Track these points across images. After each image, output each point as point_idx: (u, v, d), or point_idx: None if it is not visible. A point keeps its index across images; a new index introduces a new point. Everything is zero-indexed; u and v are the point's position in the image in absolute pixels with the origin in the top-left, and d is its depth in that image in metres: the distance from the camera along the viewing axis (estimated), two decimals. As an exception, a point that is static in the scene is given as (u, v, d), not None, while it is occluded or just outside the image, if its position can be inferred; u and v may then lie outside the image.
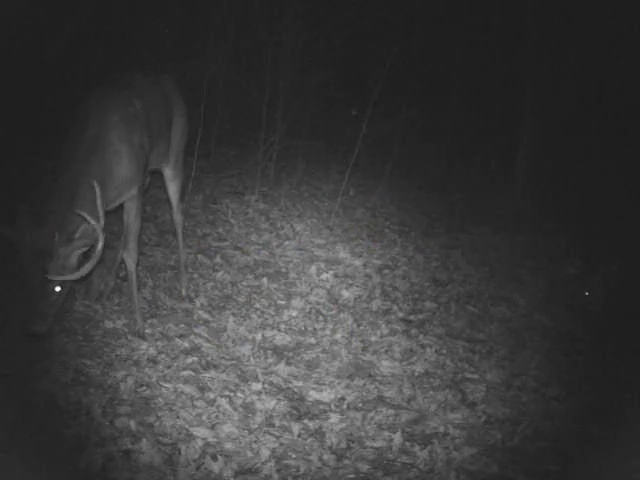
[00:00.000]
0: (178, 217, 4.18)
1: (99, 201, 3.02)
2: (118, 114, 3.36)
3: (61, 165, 3.17)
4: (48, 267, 2.92)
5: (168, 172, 4.01)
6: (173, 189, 4.07)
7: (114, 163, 3.28)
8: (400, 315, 4.23)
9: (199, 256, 4.61)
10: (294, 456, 2.78)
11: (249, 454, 2.74)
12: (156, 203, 4.67)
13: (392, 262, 5.07)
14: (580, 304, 4.70)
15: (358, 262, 4.94)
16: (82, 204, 3.04)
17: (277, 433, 2.90)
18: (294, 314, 4.04)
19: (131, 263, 3.56)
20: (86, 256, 3.07)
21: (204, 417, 2.92)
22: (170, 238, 4.63)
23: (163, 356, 3.35)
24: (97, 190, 3.01)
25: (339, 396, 3.25)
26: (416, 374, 3.56)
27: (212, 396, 3.08)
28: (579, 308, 4.65)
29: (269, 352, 3.57)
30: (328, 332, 3.89)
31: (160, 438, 2.73)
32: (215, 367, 3.33)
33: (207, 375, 3.24)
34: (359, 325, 4.02)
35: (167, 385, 3.10)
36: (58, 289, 2.99)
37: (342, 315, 4.10)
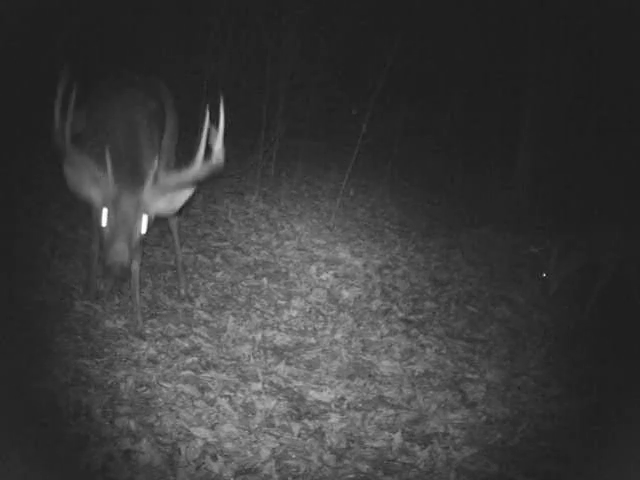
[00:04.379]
0: (173, 217, 4.18)
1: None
2: (144, 116, 3.43)
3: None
4: (143, 198, 2.97)
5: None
6: None
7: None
8: (400, 315, 4.23)
9: (199, 256, 4.61)
10: (294, 456, 2.78)
11: (249, 454, 2.74)
12: (156, 203, 4.66)
13: (392, 262, 5.07)
14: (579, 303, 4.70)
15: (358, 262, 4.94)
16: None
17: (277, 433, 2.90)
18: (294, 314, 4.04)
19: (135, 263, 3.55)
20: None
21: (204, 417, 2.92)
22: (170, 238, 4.62)
23: (163, 356, 3.34)
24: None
25: (339, 396, 3.25)
26: (416, 374, 3.56)
27: (212, 396, 3.08)
28: (578, 308, 4.65)
29: (269, 352, 3.57)
30: (328, 332, 3.89)
31: (160, 438, 2.73)
32: (215, 367, 3.33)
33: (207, 375, 3.24)
34: (359, 325, 4.02)
35: (167, 385, 3.09)
36: (144, 230, 3.03)
37: (342, 315, 4.10)
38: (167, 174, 3.12)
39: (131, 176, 3.06)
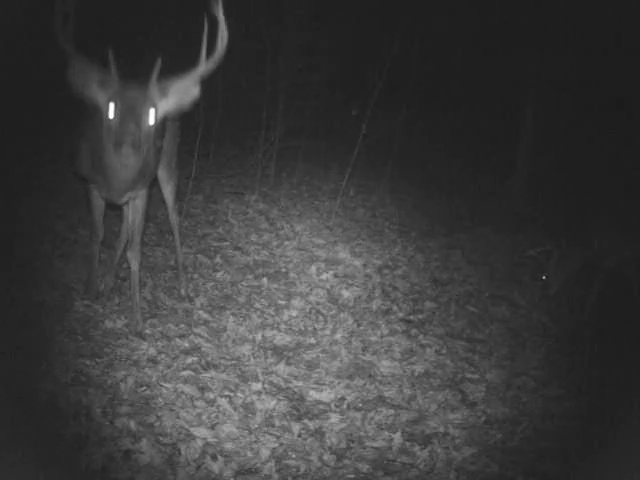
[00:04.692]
0: (174, 217, 4.18)
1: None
2: None
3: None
4: (149, 89, 2.98)
5: (162, 173, 4.02)
6: (168, 190, 4.06)
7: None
8: (400, 315, 4.23)
9: (199, 256, 4.62)
10: (294, 456, 2.78)
11: (249, 454, 2.74)
12: (156, 203, 4.67)
13: (392, 262, 5.07)
14: (579, 303, 4.70)
15: (358, 262, 4.94)
16: None
17: (277, 433, 2.90)
18: (294, 314, 4.04)
19: (135, 263, 3.55)
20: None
21: (204, 417, 2.92)
22: (170, 238, 4.62)
23: (163, 356, 3.34)
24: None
25: (339, 396, 3.25)
26: (416, 374, 3.56)
27: (212, 396, 3.08)
28: (578, 308, 4.65)
29: (269, 352, 3.57)
30: (328, 332, 3.89)
31: (160, 438, 2.73)
32: (215, 367, 3.33)
33: (207, 375, 3.24)
34: (359, 325, 4.02)
35: (167, 385, 3.10)
36: (152, 121, 3.01)
37: (342, 315, 4.10)
38: (172, 74, 3.13)
39: (135, 75, 3.06)
